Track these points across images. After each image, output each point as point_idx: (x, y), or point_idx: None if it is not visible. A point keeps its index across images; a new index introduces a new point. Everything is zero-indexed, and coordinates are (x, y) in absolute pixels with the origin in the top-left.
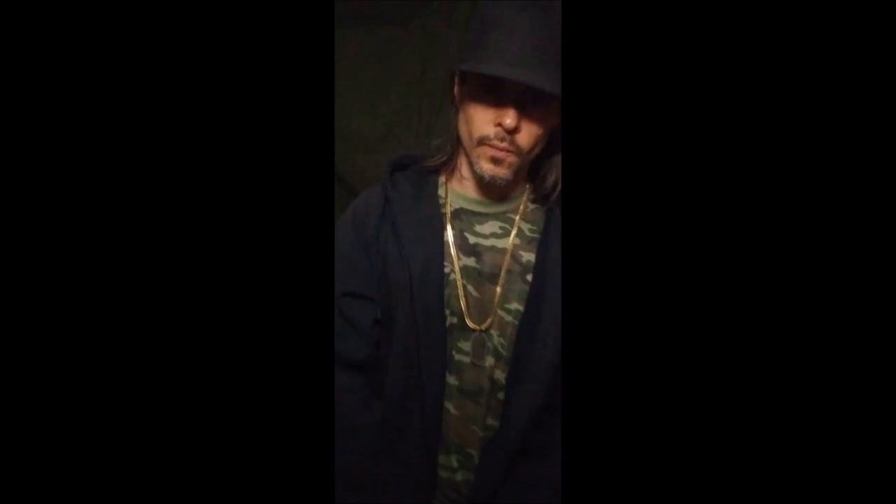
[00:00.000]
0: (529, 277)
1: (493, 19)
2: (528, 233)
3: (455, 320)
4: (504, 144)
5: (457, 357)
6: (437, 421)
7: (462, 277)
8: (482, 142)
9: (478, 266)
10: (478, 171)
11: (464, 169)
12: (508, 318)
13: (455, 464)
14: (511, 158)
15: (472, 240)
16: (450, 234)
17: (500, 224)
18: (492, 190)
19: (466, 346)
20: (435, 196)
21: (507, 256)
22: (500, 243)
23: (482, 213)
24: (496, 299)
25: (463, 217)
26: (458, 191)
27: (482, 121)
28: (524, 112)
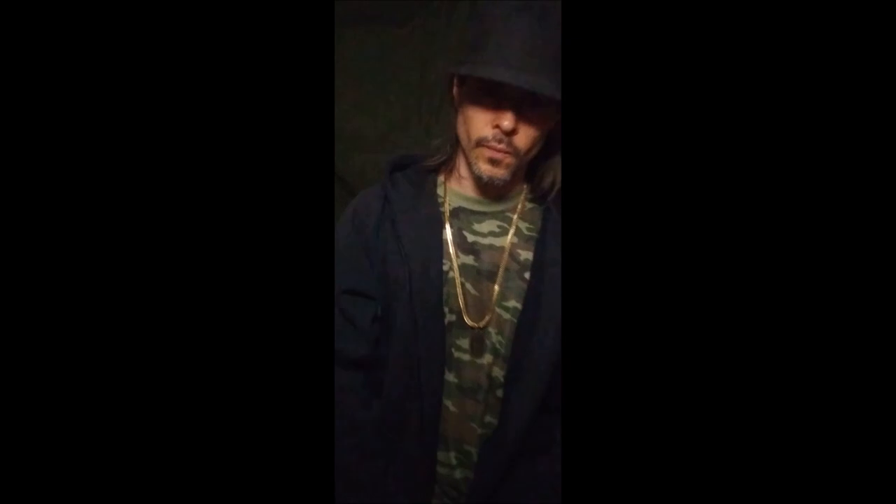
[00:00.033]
0: (527, 275)
1: (492, 21)
2: (525, 232)
3: (454, 318)
4: (502, 146)
5: (455, 354)
6: (436, 418)
7: (461, 275)
8: (480, 143)
9: (476, 264)
10: (476, 171)
11: (462, 169)
12: (506, 316)
13: (454, 461)
14: (509, 160)
15: (470, 238)
16: (449, 232)
17: (498, 223)
18: (490, 190)
19: (465, 343)
20: (434, 195)
21: (506, 255)
22: (498, 242)
23: (481, 211)
24: (494, 297)
25: (461, 216)
26: (456, 190)
27: (480, 122)
28: (522, 114)
